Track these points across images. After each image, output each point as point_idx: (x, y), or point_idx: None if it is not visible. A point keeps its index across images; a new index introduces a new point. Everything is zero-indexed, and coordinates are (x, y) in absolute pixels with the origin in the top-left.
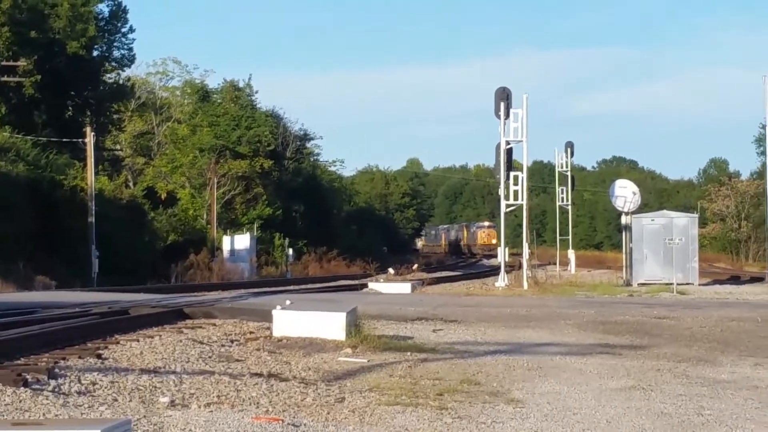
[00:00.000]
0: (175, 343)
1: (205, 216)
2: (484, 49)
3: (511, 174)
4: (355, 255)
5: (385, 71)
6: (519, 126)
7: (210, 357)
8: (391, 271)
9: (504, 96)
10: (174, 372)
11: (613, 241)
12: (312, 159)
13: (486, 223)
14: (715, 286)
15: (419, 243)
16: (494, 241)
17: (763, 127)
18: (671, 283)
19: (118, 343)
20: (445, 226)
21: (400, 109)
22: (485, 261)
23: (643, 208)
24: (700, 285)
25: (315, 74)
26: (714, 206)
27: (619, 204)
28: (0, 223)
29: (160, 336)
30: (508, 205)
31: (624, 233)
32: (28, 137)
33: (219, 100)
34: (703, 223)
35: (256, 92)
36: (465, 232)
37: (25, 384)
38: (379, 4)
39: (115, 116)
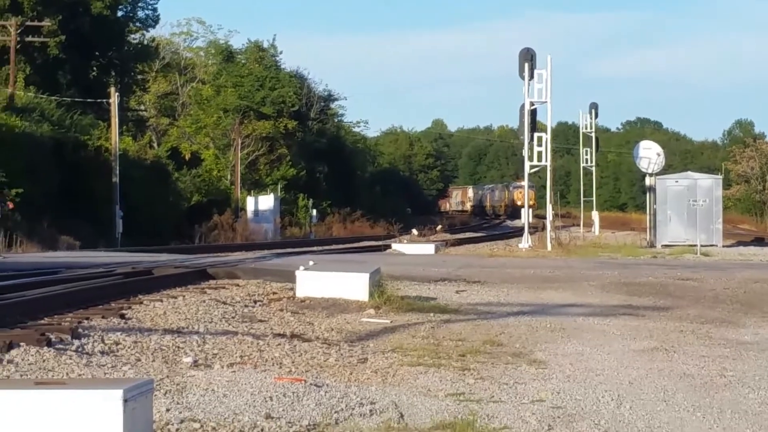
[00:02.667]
0: (198, 304)
1: (229, 177)
2: (507, 11)
3: (535, 135)
4: (378, 216)
5: (409, 33)
6: (543, 87)
7: (233, 317)
8: (414, 232)
9: (528, 57)
10: (197, 332)
11: (637, 203)
12: (336, 120)
13: (521, 183)
14: (739, 248)
15: (468, 204)
16: (532, 202)
17: None
18: (695, 245)
19: (141, 303)
20: (490, 186)
21: (425, 71)
22: (509, 222)
23: (668, 169)
24: (723, 246)
25: (339, 35)
26: (738, 168)
27: (643, 165)
28: (24, 183)
29: (184, 296)
30: (531, 167)
31: (648, 195)
32: (53, 97)
33: (243, 61)
34: (727, 185)
35: (281, 53)
36: (506, 193)
37: (49, 344)
38: None
39: (139, 77)
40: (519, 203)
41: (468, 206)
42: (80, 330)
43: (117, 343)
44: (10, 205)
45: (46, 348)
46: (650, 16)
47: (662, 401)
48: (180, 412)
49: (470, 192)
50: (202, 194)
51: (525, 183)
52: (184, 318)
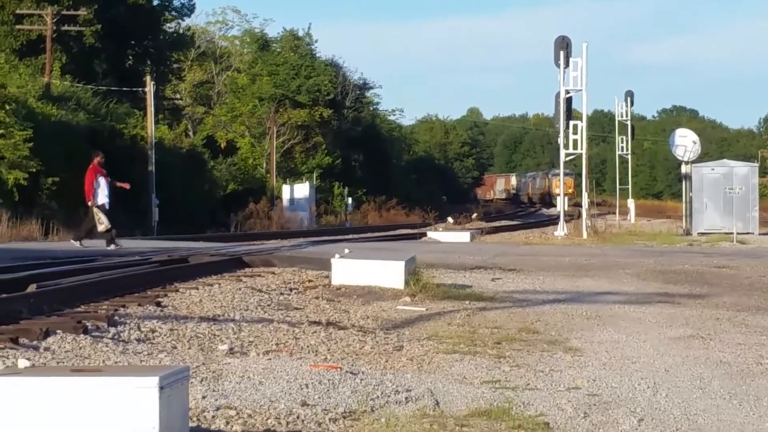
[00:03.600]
0: (234, 291)
1: (264, 165)
2: None
3: (571, 123)
4: (413, 204)
5: (443, 21)
6: (578, 75)
7: (269, 305)
8: (450, 220)
9: (563, 45)
10: (233, 320)
11: (673, 191)
12: (371, 108)
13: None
14: None
15: (511, 192)
16: (571, 190)
17: None
18: (731, 233)
19: (177, 291)
20: (532, 174)
21: (460, 59)
22: (544, 210)
23: (704, 157)
24: (760, 234)
25: (375, 23)
26: None
27: (679, 153)
28: (61, 171)
29: (219, 284)
30: (567, 155)
31: (684, 182)
32: (89, 86)
33: (278, 50)
34: (763, 173)
35: (316, 41)
36: (546, 181)
37: (85, 331)
38: None
39: (174, 65)
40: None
41: (511, 194)
42: (116, 317)
43: (153, 331)
44: (126, 186)
45: (82, 335)
46: (687, 1)
47: (698, 389)
48: (216, 400)
49: (513, 180)
50: (237, 182)
51: (561, 171)
52: (220, 306)
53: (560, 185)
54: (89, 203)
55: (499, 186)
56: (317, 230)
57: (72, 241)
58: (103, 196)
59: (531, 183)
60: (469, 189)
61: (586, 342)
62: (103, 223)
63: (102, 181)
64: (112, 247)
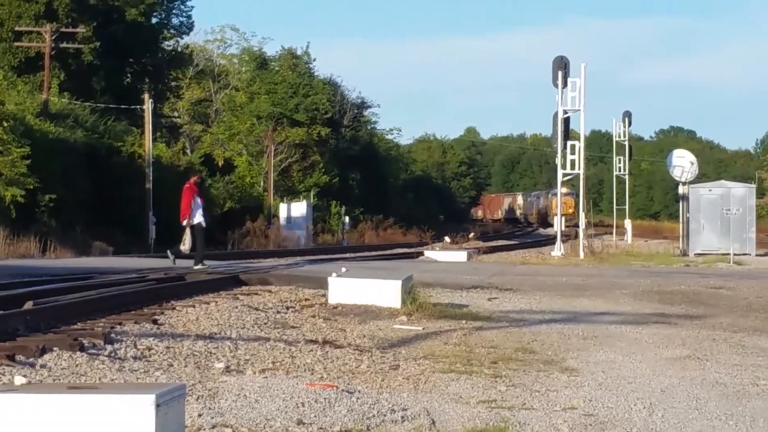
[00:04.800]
0: (230, 310)
1: (262, 183)
2: (539, 18)
3: (569, 143)
4: (411, 223)
5: (442, 41)
6: (576, 95)
7: (265, 323)
8: (447, 239)
9: (562, 65)
10: (229, 338)
11: (670, 211)
12: (369, 127)
13: (564, 190)
14: None
15: (518, 211)
16: (571, 210)
17: None
18: (728, 254)
19: (174, 308)
20: (536, 193)
21: (458, 79)
22: (541, 230)
23: (701, 178)
24: (757, 255)
25: (373, 43)
26: None
27: (676, 174)
28: (58, 188)
29: (216, 302)
30: (565, 174)
31: (681, 203)
32: (87, 103)
33: (277, 68)
34: (761, 194)
35: (314, 60)
36: (547, 200)
37: (82, 348)
38: None
39: (173, 83)
40: (566, 211)
41: (518, 213)
42: (113, 335)
43: (149, 349)
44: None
45: (79, 353)
46: (685, 23)
47: (695, 409)
48: (212, 417)
49: (519, 199)
50: (235, 201)
51: (558, 191)
52: (217, 324)
53: (558, 205)
54: (184, 223)
55: (506, 205)
56: (314, 249)
57: (195, 266)
58: (198, 216)
59: (535, 202)
60: (466, 208)
61: (582, 362)
62: (185, 244)
63: (198, 201)
64: (200, 266)
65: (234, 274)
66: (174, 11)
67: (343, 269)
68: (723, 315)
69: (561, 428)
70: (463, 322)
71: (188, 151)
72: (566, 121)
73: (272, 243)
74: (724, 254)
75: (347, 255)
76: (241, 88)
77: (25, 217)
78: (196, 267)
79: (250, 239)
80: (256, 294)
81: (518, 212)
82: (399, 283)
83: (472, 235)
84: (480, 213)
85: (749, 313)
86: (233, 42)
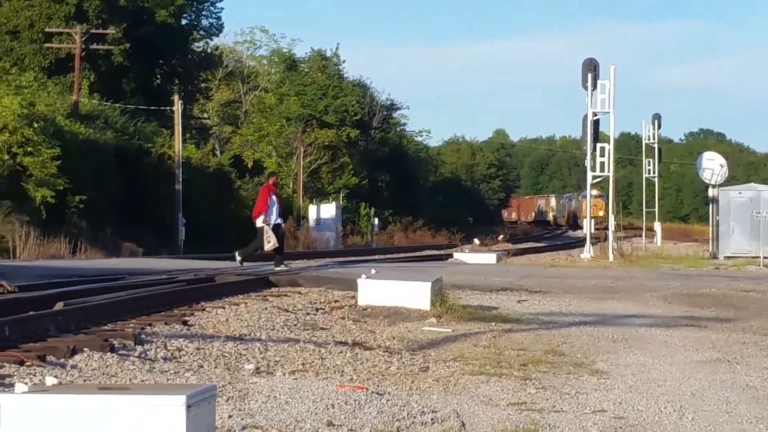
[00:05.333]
0: (260, 311)
1: (291, 185)
2: (568, 21)
3: (598, 145)
4: (440, 225)
5: (472, 43)
6: (606, 97)
7: (295, 325)
8: (476, 241)
9: (591, 67)
10: (259, 339)
11: (699, 214)
12: (398, 129)
13: (594, 192)
14: None
15: (550, 214)
16: (601, 213)
17: None
18: (758, 257)
19: (203, 310)
20: (568, 195)
21: (487, 80)
22: (570, 233)
23: (731, 180)
24: None
25: (402, 44)
26: None
27: (706, 176)
28: (88, 190)
29: (246, 303)
30: (594, 177)
31: (711, 206)
32: (117, 105)
33: (306, 70)
34: None
35: (344, 62)
36: (580, 202)
37: (112, 349)
38: None
39: (202, 85)
40: (596, 213)
41: (551, 215)
42: (143, 336)
43: (179, 350)
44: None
45: (109, 353)
46: (713, 26)
47: (725, 413)
48: (242, 419)
49: (552, 201)
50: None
51: (587, 193)
52: (246, 325)
53: (587, 207)
54: (259, 222)
55: (540, 208)
56: (343, 251)
57: (237, 257)
58: (276, 216)
59: (567, 204)
60: (496, 210)
61: (612, 365)
62: (270, 242)
63: (275, 201)
64: (282, 267)
65: (263, 275)
66: (204, 13)
67: (373, 271)
68: (753, 318)
69: (591, 431)
70: (493, 324)
71: (218, 153)
72: (596, 123)
73: (301, 244)
74: (754, 257)
75: (376, 257)
76: (270, 90)
77: (55, 218)
78: (277, 269)
79: None
80: (286, 295)
81: (551, 214)
82: (428, 285)
83: (501, 237)
84: (513, 215)
85: None
86: (263, 43)
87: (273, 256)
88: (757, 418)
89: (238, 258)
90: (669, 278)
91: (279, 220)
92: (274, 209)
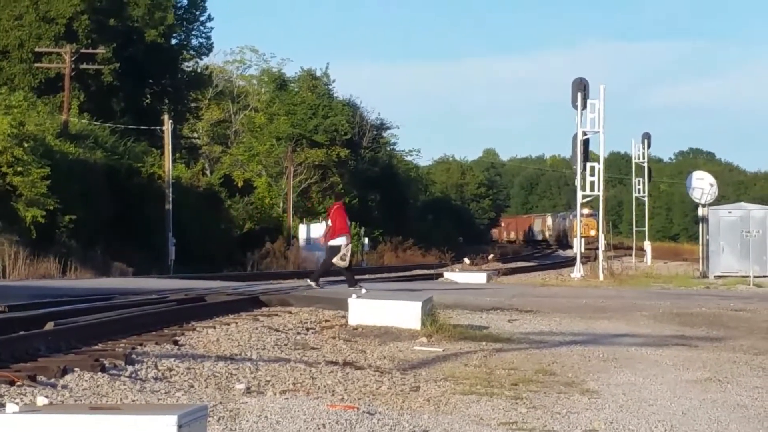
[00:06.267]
0: (251, 331)
1: (281, 204)
2: (559, 41)
3: (588, 165)
4: (430, 244)
5: (460, 63)
6: (596, 117)
7: (286, 345)
8: (466, 260)
9: (581, 86)
10: (250, 359)
11: (689, 233)
12: (388, 148)
13: (585, 211)
14: None
15: (547, 233)
16: (593, 232)
17: None
18: (748, 276)
19: (194, 329)
20: (562, 214)
21: (476, 100)
22: (561, 252)
23: (720, 200)
24: None
25: (392, 65)
26: None
27: (696, 195)
28: (78, 209)
29: (237, 323)
30: (584, 196)
31: (701, 225)
32: (107, 124)
33: (296, 89)
34: None
35: (333, 81)
36: (572, 221)
37: (103, 369)
38: None
39: (192, 104)
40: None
41: (547, 234)
42: (134, 356)
43: (170, 369)
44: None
45: (100, 373)
46: (703, 45)
47: None
48: None
49: (549, 220)
50: (254, 222)
51: (578, 212)
52: (237, 345)
53: (577, 226)
54: (335, 240)
55: (537, 227)
56: (334, 270)
57: (309, 281)
58: (339, 238)
59: (561, 224)
60: (486, 230)
61: (602, 384)
62: (345, 261)
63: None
64: (315, 285)
65: (254, 295)
66: (193, 32)
67: (363, 290)
68: (743, 337)
69: None
70: (484, 343)
71: (208, 172)
72: (585, 142)
73: (292, 264)
74: (744, 276)
75: (366, 276)
76: (260, 109)
77: (45, 237)
78: (311, 282)
79: (269, 260)
80: (276, 315)
81: (547, 233)
82: (419, 304)
83: (491, 256)
84: (512, 234)
85: None
86: (252, 63)
87: (311, 273)
88: None
89: (311, 282)
90: (659, 297)
91: (347, 241)
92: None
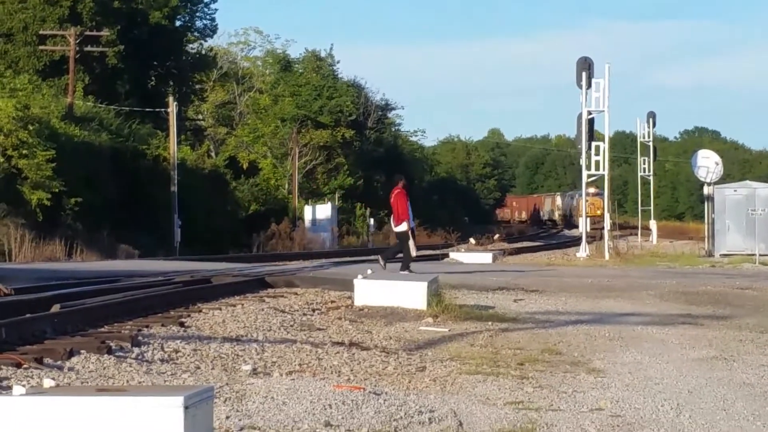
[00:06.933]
0: (257, 312)
1: (286, 186)
2: (563, 20)
3: (593, 144)
4: (436, 225)
5: (466, 43)
6: (600, 96)
7: (292, 326)
8: (472, 241)
9: (586, 66)
10: (256, 340)
11: (695, 212)
12: (393, 129)
13: (591, 190)
14: None
15: (557, 213)
16: (599, 212)
17: None
18: (753, 254)
19: (200, 311)
20: (571, 193)
21: (481, 80)
22: (566, 231)
23: (726, 178)
24: None
25: (397, 45)
26: None
27: (701, 174)
28: (84, 192)
29: (243, 305)
30: (589, 176)
31: (706, 204)
32: (111, 107)
33: (300, 70)
34: None
35: (338, 62)
36: (578, 201)
37: (109, 351)
38: None
39: (197, 86)
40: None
41: (557, 214)
42: (140, 338)
43: (176, 351)
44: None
45: (106, 355)
46: (709, 24)
47: (722, 410)
48: (240, 420)
49: (558, 200)
50: (259, 203)
51: (583, 191)
52: (243, 326)
53: (582, 206)
54: (402, 227)
55: (547, 206)
56: (339, 251)
57: (381, 261)
58: (411, 219)
59: (570, 203)
60: (491, 209)
61: (609, 363)
62: (413, 248)
63: (408, 206)
64: (406, 272)
65: (260, 276)
66: (198, 14)
67: (369, 271)
68: (749, 316)
69: (588, 429)
70: (489, 323)
71: (213, 154)
72: (590, 122)
73: (297, 245)
74: (749, 255)
75: (372, 257)
76: (265, 91)
77: (51, 220)
78: (402, 272)
79: (275, 242)
80: (282, 296)
81: (557, 213)
82: (425, 284)
83: (497, 236)
84: (515, 214)
85: None
86: (257, 44)
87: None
88: (754, 415)
89: (382, 262)
90: (665, 276)
91: (413, 224)
92: (410, 213)
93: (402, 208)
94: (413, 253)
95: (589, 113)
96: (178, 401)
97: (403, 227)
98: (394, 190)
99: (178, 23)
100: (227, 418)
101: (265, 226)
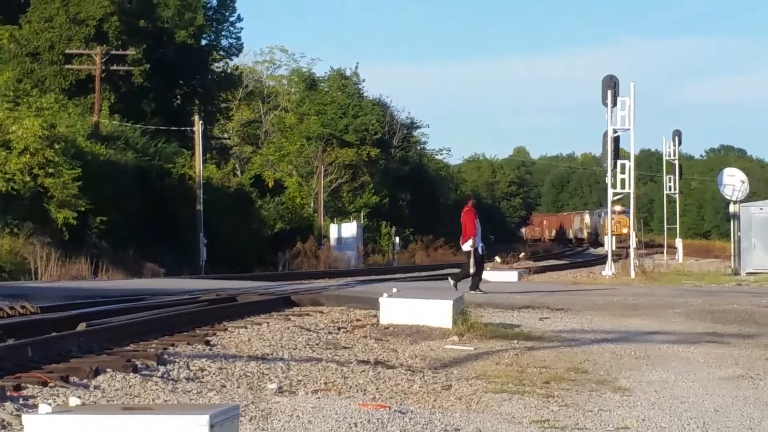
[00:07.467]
0: (282, 330)
1: (312, 204)
2: (588, 38)
3: (618, 162)
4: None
5: (492, 61)
6: (626, 114)
7: (317, 344)
8: (497, 259)
9: (611, 84)
10: (281, 359)
11: (721, 230)
12: (419, 147)
13: (617, 208)
14: None
15: (585, 231)
16: (625, 230)
17: None
18: None
19: (226, 329)
20: (598, 211)
21: (507, 99)
22: (592, 250)
23: (752, 196)
24: None
25: (422, 63)
26: None
27: (727, 192)
28: (110, 210)
29: (268, 323)
30: (615, 194)
31: (732, 222)
32: (137, 125)
33: (326, 89)
34: None
35: (363, 81)
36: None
37: (135, 370)
38: None
39: (222, 105)
40: (620, 230)
41: (585, 233)
42: (165, 356)
43: (202, 369)
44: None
45: (132, 374)
46: (735, 42)
47: (748, 429)
48: None
49: (587, 218)
50: (285, 222)
51: (608, 210)
52: (269, 345)
53: (608, 224)
54: (467, 246)
55: (576, 224)
56: (365, 269)
57: (450, 280)
58: (479, 240)
59: (597, 221)
60: (516, 228)
61: (635, 382)
62: (473, 267)
63: (478, 225)
64: (476, 292)
65: (285, 295)
66: (223, 33)
67: (394, 289)
68: None
69: None
70: (515, 342)
71: (238, 173)
72: (616, 140)
73: (323, 264)
74: None
75: (398, 275)
76: (290, 109)
77: (76, 238)
78: (472, 292)
79: (300, 260)
80: (308, 315)
81: (585, 231)
82: (450, 303)
83: (522, 254)
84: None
85: None
86: (282, 63)
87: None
88: None
89: (452, 282)
90: (691, 295)
91: (481, 244)
92: (478, 234)
93: (470, 226)
94: (471, 270)
95: (615, 131)
96: (203, 420)
97: (468, 245)
98: (464, 209)
99: (203, 42)
100: None
101: (290, 245)
